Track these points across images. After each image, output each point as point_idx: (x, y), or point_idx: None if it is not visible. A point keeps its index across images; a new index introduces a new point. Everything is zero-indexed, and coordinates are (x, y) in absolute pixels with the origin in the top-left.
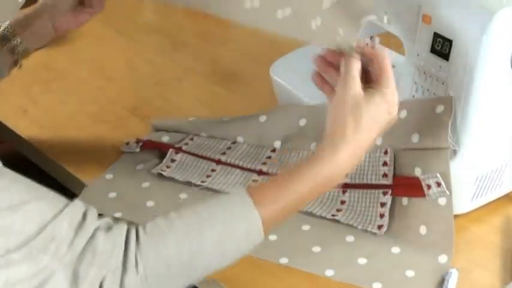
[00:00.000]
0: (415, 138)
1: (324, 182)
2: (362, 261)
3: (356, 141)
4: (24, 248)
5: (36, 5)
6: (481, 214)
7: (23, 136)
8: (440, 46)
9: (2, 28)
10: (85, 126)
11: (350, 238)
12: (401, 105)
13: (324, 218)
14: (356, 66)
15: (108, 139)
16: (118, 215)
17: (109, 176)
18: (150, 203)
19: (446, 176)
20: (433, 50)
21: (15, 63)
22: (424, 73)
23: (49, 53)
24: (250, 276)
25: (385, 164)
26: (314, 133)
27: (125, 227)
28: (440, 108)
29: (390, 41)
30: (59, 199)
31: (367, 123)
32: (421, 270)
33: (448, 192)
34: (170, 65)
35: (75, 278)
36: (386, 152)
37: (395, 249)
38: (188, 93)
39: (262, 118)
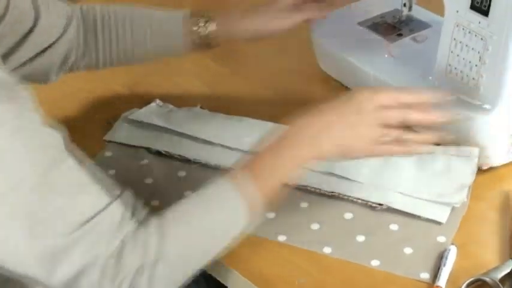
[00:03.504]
0: None
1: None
2: (360, 238)
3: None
4: (80, 229)
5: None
6: (481, 191)
7: None
8: (479, 2)
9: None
10: (83, 104)
11: (348, 215)
12: None
13: (323, 195)
14: None
15: (106, 117)
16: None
17: (108, 153)
18: (148, 180)
19: None
20: (472, 7)
21: (198, 46)
22: (463, 29)
23: None
24: (250, 254)
25: None
26: None
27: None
28: None
29: None
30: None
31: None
32: (420, 247)
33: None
34: None
35: (118, 262)
36: None
37: (394, 226)
38: (188, 71)
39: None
